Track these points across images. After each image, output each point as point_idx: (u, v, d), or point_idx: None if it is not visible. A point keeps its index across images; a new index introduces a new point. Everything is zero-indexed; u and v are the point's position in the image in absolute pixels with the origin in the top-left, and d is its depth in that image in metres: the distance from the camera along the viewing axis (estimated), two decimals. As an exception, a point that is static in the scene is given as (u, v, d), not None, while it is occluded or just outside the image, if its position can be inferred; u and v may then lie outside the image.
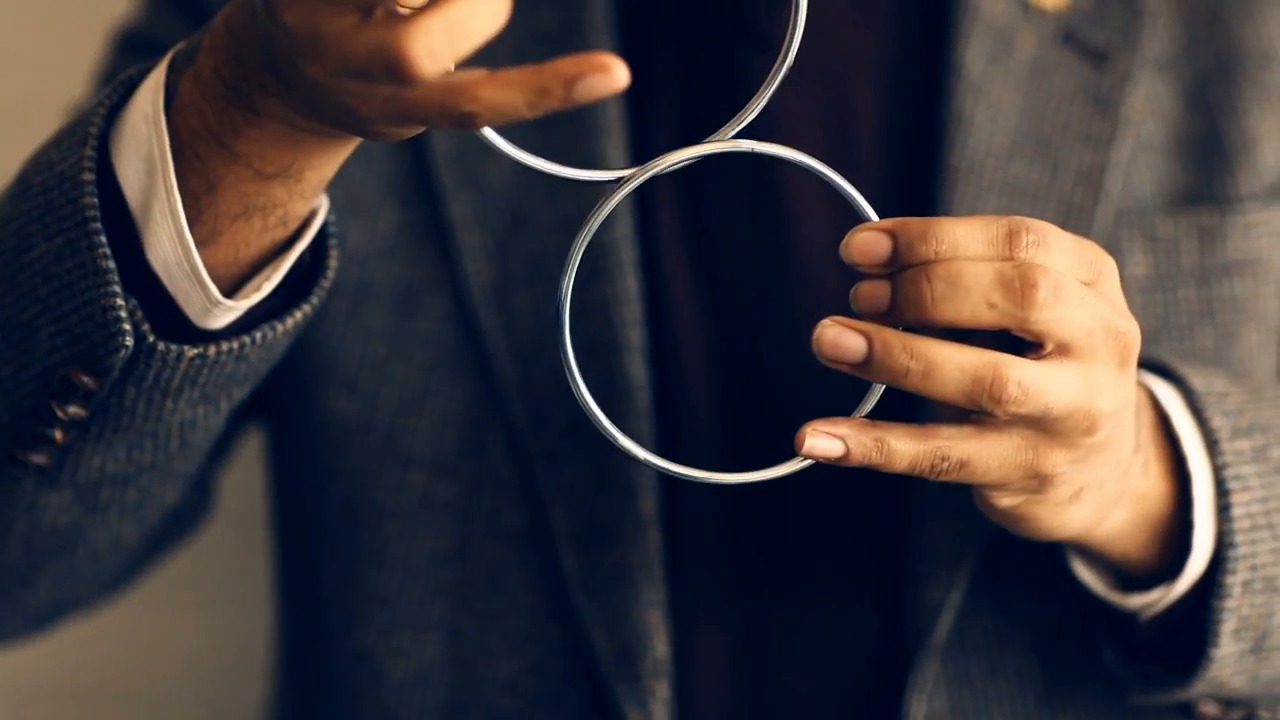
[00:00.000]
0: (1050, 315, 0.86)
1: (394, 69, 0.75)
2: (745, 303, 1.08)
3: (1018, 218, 0.88)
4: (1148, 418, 0.99)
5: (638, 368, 1.06)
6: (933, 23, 1.11)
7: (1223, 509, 1.00)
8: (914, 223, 0.87)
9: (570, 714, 1.07)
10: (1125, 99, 1.09)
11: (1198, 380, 1.02)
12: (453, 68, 0.77)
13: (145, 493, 1.02)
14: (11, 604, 1.09)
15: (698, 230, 1.09)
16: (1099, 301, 0.88)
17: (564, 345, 0.89)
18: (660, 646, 1.05)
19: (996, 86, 1.09)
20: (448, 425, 1.09)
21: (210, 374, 0.94)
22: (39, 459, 0.96)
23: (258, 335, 0.93)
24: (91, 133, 0.90)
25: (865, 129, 1.09)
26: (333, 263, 0.96)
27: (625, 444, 0.90)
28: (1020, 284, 0.86)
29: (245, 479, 1.34)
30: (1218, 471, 1.00)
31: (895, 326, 0.88)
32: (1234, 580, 1.00)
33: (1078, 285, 0.87)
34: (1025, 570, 1.06)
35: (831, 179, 0.89)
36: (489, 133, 0.84)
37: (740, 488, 1.06)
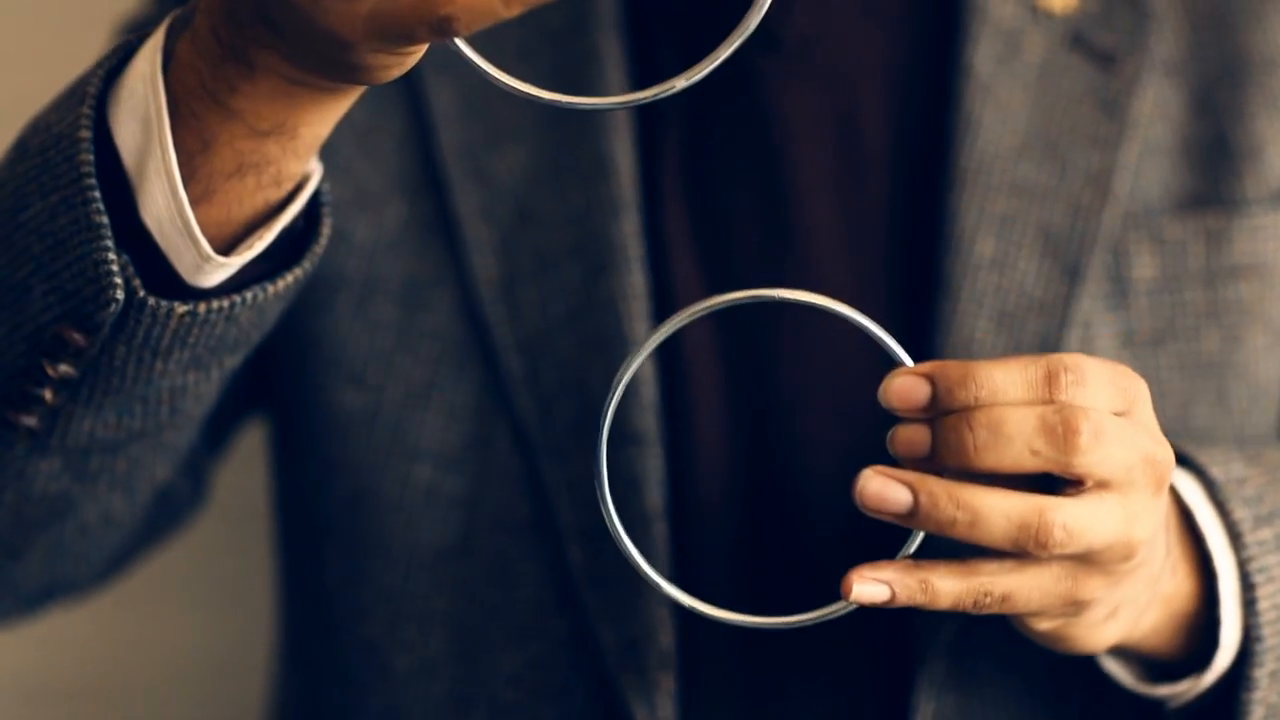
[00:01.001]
0: (1093, 459, 0.88)
1: None
2: (753, 299, 1.08)
3: (1055, 356, 0.89)
4: (1173, 518, 1.00)
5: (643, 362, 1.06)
6: (941, 25, 1.11)
7: (1248, 603, 1.01)
8: (952, 367, 0.88)
9: (575, 706, 1.07)
10: (1133, 102, 1.09)
11: (1217, 470, 1.03)
12: None
13: (135, 463, 1.02)
14: (1, 580, 1.08)
15: (706, 226, 1.09)
16: (1137, 434, 0.89)
17: (599, 473, 0.91)
18: (666, 639, 1.05)
19: (1005, 88, 1.09)
20: (454, 419, 1.09)
21: (201, 334, 0.94)
22: (29, 421, 0.96)
23: (248, 295, 0.93)
24: (90, 93, 0.91)
25: (874, 130, 1.10)
26: (325, 229, 0.96)
27: (670, 590, 0.92)
28: (1063, 430, 0.87)
29: (245, 478, 1.34)
30: (1242, 565, 1.01)
31: (934, 470, 0.89)
32: (1261, 673, 1.01)
33: (1116, 422, 0.89)
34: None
35: (862, 324, 0.90)
36: (469, 52, 0.83)
37: (741, 471, 1.06)
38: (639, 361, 0.90)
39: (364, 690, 1.10)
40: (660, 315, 1.08)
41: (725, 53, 0.83)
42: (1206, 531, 1.01)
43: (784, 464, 1.07)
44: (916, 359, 1.04)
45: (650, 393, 1.06)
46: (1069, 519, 0.88)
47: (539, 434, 1.07)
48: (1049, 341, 1.06)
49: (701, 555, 1.07)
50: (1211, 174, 1.10)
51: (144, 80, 0.90)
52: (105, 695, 1.52)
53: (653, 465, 1.06)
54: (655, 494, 1.05)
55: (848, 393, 1.06)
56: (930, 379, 0.88)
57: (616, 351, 1.07)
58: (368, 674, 1.10)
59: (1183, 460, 1.03)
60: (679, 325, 0.90)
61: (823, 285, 1.08)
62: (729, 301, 0.89)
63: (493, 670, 1.08)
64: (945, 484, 0.88)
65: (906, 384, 0.89)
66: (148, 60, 0.91)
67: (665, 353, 1.08)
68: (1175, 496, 1.01)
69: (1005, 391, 0.88)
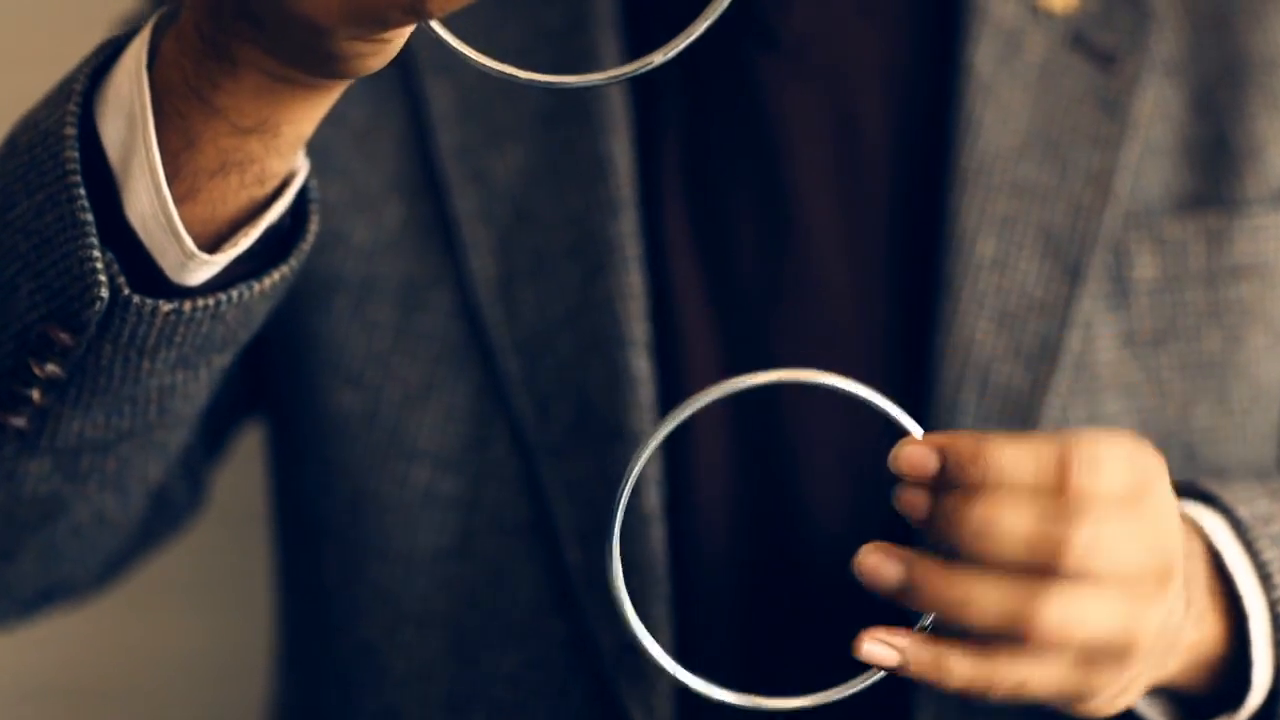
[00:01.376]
0: (1085, 567, 0.87)
1: None
2: (752, 299, 1.08)
3: (1072, 441, 0.88)
4: (1200, 565, 0.99)
5: (641, 362, 1.06)
6: (941, 24, 1.11)
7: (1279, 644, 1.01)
8: (964, 443, 0.88)
9: (572, 708, 1.07)
10: (1134, 101, 1.09)
11: (1243, 509, 1.02)
12: None
13: (126, 463, 1.02)
14: None
15: (705, 226, 1.09)
16: (1143, 531, 0.89)
17: (612, 562, 0.92)
18: (663, 641, 1.04)
19: (1006, 88, 1.09)
20: (452, 420, 1.09)
21: (187, 333, 0.94)
22: (18, 421, 0.96)
23: (234, 294, 0.93)
24: (76, 89, 0.91)
25: (873, 130, 1.09)
26: (313, 227, 0.96)
27: (685, 678, 0.93)
28: (1052, 546, 0.87)
29: (243, 479, 1.33)
30: (1273, 606, 1.00)
31: None
32: None
33: (1117, 531, 0.88)
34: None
35: (873, 401, 0.90)
36: (445, 34, 0.83)
37: (741, 473, 1.06)
38: (649, 453, 0.91)
39: (362, 691, 1.10)
40: (659, 315, 1.08)
41: (701, 26, 0.84)
42: (1236, 572, 1.00)
43: (783, 466, 1.07)
44: (918, 359, 1.04)
45: (648, 393, 1.06)
46: (1059, 615, 0.88)
47: (537, 435, 1.07)
48: (1049, 342, 1.06)
49: (700, 556, 1.06)
50: (1212, 174, 1.10)
51: (129, 76, 0.90)
52: (105, 696, 1.53)
53: (650, 466, 1.05)
54: (654, 495, 1.05)
55: (849, 407, 1.06)
56: (941, 452, 0.89)
57: (615, 351, 1.06)
58: (365, 675, 1.10)
59: (1208, 498, 1.03)
60: (686, 415, 0.90)
61: (822, 285, 1.08)
62: (740, 388, 0.89)
63: (490, 671, 1.08)
64: (938, 567, 0.88)
65: (917, 455, 0.89)
66: (133, 57, 0.91)
67: (665, 353, 1.07)
68: (1203, 537, 1.00)
69: (1013, 475, 0.88)
